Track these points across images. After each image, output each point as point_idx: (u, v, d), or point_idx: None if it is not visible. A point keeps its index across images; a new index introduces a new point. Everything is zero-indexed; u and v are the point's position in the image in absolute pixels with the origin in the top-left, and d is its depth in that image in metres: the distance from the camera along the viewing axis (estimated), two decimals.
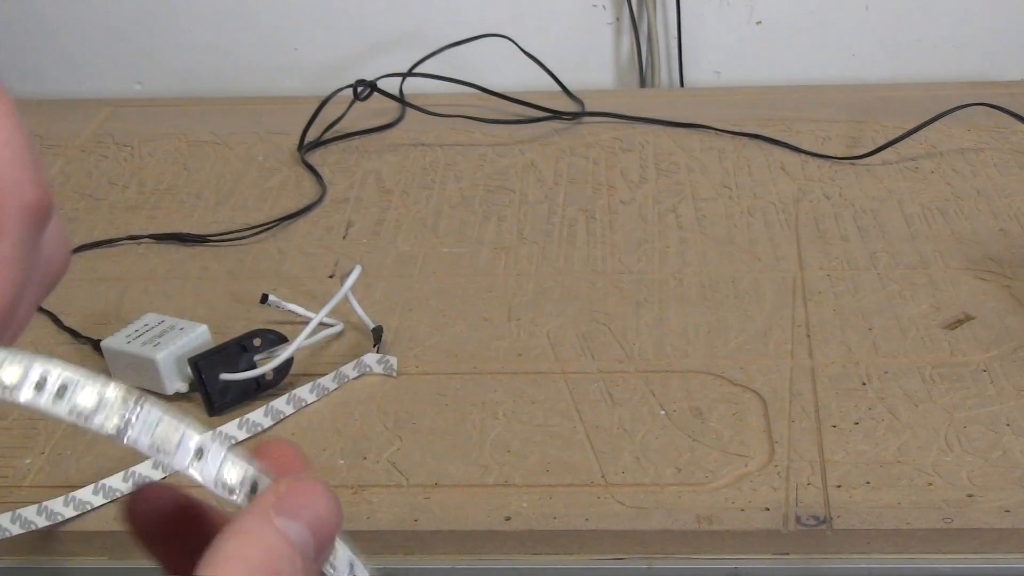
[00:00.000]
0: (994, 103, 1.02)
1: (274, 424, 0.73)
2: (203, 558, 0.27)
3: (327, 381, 0.75)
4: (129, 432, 0.28)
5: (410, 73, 1.13)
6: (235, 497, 0.29)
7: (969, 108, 1.01)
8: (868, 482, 0.65)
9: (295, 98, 1.17)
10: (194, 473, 0.28)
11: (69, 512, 0.66)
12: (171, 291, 0.86)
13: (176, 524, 0.31)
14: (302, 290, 0.86)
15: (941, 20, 1.17)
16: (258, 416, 0.73)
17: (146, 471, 0.69)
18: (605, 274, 0.86)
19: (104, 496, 0.67)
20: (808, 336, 0.78)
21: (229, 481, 0.29)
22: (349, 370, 0.76)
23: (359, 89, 1.07)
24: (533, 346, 0.79)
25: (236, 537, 0.27)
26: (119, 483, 0.68)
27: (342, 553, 0.30)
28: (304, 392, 0.75)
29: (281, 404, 0.74)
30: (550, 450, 0.69)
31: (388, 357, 0.77)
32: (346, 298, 0.78)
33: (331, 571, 0.29)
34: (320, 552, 0.28)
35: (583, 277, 0.86)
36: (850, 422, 0.70)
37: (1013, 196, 0.93)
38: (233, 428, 0.72)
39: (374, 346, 0.78)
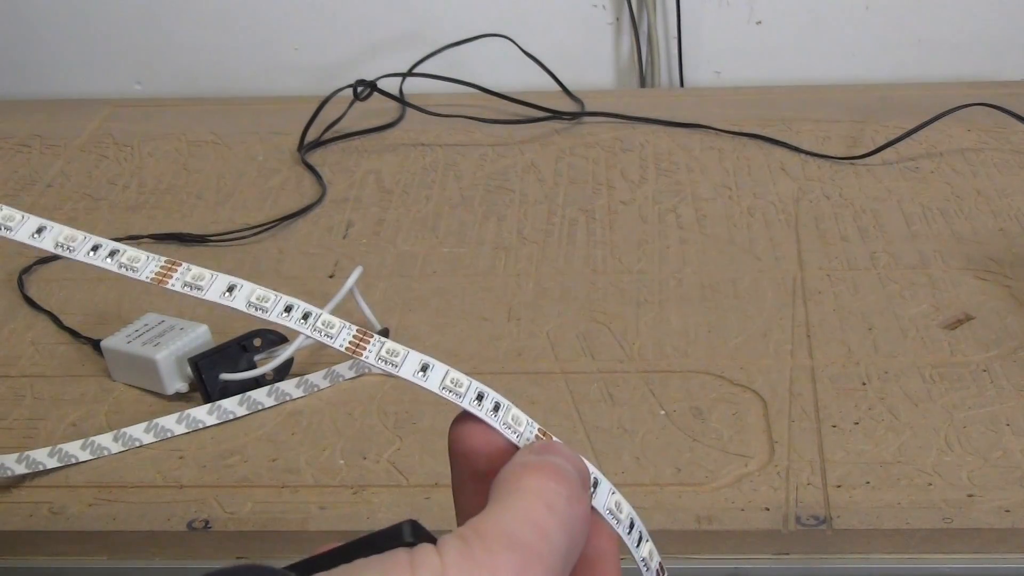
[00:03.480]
0: (994, 103, 1.02)
1: (249, 413, 0.73)
2: (493, 484, 0.31)
3: (316, 378, 0.75)
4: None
5: (410, 73, 1.13)
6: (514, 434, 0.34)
7: (969, 108, 1.01)
8: (868, 482, 0.65)
9: (295, 98, 1.17)
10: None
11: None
12: (171, 291, 0.86)
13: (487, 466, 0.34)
14: (302, 290, 0.86)
15: (941, 20, 1.17)
16: (232, 405, 0.73)
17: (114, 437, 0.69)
18: (605, 274, 0.86)
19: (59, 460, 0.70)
20: (808, 336, 0.78)
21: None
22: (345, 369, 0.76)
23: (359, 89, 1.07)
24: (533, 346, 0.79)
25: (515, 464, 0.31)
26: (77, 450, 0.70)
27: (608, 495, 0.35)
28: (289, 387, 0.75)
29: (261, 396, 0.74)
30: None
31: None
32: (351, 298, 0.78)
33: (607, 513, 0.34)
34: (583, 483, 0.32)
35: (583, 277, 0.86)
36: (850, 422, 0.70)
37: (1013, 196, 0.93)
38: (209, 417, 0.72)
39: None
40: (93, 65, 1.26)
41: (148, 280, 0.32)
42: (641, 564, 0.35)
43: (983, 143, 1.02)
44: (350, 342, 0.33)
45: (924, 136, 1.01)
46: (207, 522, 0.65)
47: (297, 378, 0.75)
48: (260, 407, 0.74)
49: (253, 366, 0.75)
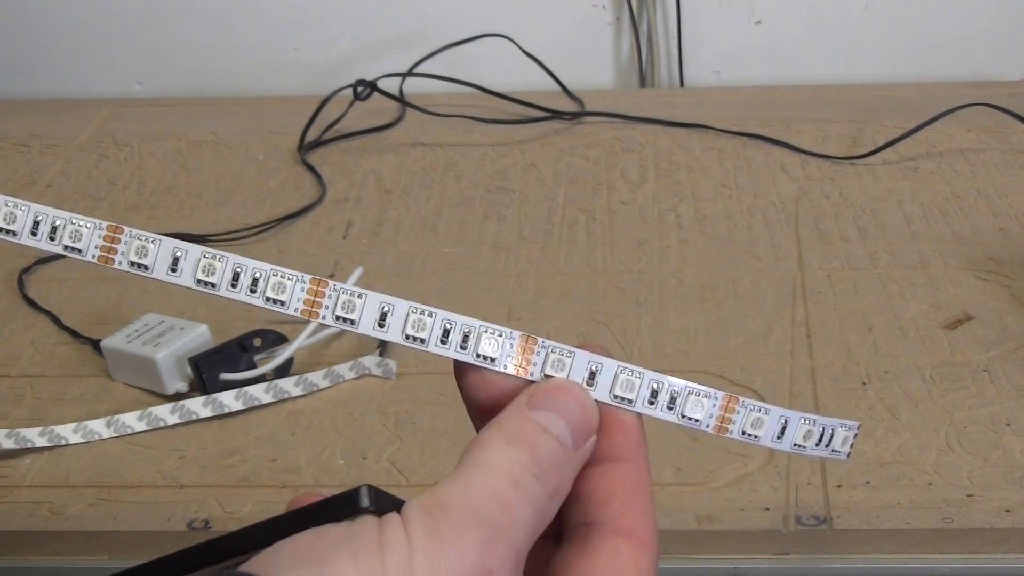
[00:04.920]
0: (994, 103, 1.02)
1: (245, 408, 0.73)
2: (468, 446, 0.30)
3: (316, 377, 0.75)
4: None
5: (410, 73, 1.13)
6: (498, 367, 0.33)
7: (969, 108, 1.01)
8: (868, 482, 0.65)
9: (295, 98, 1.17)
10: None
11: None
12: (171, 291, 0.86)
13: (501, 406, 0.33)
14: None
15: (941, 20, 1.17)
16: (228, 399, 0.73)
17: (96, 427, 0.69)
18: (605, 274, 0.86)
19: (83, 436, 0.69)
20: (808, 336, 0.78)
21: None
22: (345, 370, 0.76)
23: (359, 89, 1.07)
24: None
25: (493, 426, 0.31)
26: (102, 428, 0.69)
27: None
28: (288, 384, 0.75)
29: (258, 392, 0.74)
30: None
31: (388, 360, 0.77)
32: None
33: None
34: (579, 440, 0.31)
35: (583, 277, 0.86)
36: None
37: (1013, 196, 0.93)
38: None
39: (377, 348, 0.78)
40: (93, 65, 1.26)
41: (93, 260, 0.31)
42: (685, 422, 0.33)
43: (983, 143, 1.02)
44: (304, 302, 0.32)
45: (924, 136, 1.01)
46: (207, 522, 0.65)
47: (296, 376, 0.75)
48: (257, 403, 0.74)
49: (253, 366, 0.75)
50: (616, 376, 0.33)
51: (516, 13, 1.19)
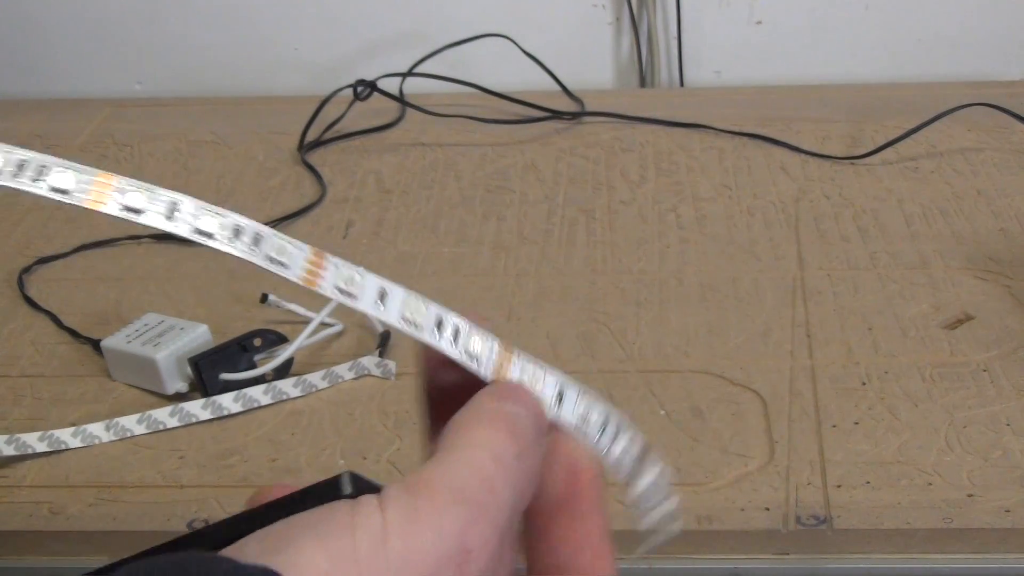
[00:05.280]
0: (994, 103, 1.02)
1: (244, 410, 0.73)
2: (445, 430, 0.30)
3: (315, 378, 0.75)
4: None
5: (410, 73, 1.13)
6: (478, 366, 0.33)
7: (969, 108, 1.01)
8: (868, 482, 0.65)
9: (295, 98, 1.17)
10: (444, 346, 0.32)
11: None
12: (171, 291, 0.86)
13: (456, 397, 0.33)
14: (303, 290, 0.85)
15: (941, 20, 1.17)
16: (227, 401, 0.73)
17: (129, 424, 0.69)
18: (605, 274, 0.86)
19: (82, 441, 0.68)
20: (808, 336, 0.78)
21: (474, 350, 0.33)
22: (344, 371, 0.76)
23: (359, 89, 1.07)
24: (533, 346, 0.78)
25: (469, 410, 0.31)
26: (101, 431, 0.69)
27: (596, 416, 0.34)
28: (287, 385, 0.75)
29: (257, 393, 0.74)
30: None
31: (387, 361, 0.76)
32: None
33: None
34: (538, 435, 0.32)
35: (583, 277, 0.86)
36: (850, 422, 0.70)
37: (1013, 196, 0.93)
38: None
39: (377, 349, 0.78)
40: (93, 65, 1.26)
41: (85, 204, 0.29)
42: (615, 462, 0.34)
43: (983, 143, 1.02)
44: (307, 271, 0.32)
45: (924, 136, 1.01)
46: (207, 522, 0.65)
47: (295, 377, 0.75)
48: (256, 404, 0.74)
49: (253, 366, 0.75)
50: (575, 403, 0.34)
51: (516, 13, 1.19)
